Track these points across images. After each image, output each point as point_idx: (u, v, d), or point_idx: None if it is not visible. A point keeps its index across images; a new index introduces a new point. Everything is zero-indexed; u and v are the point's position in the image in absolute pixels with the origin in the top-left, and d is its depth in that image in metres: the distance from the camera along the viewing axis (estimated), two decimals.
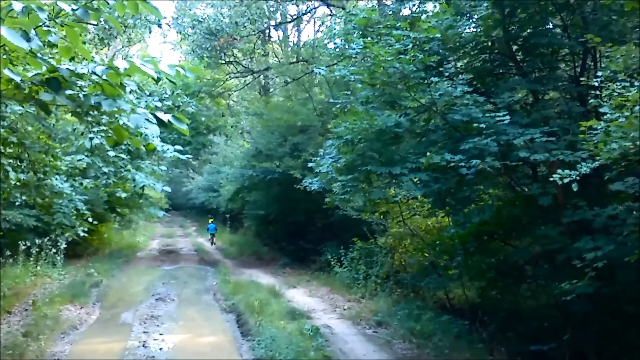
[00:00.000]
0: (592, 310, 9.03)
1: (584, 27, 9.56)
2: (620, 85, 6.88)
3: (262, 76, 33.72)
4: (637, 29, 8.50)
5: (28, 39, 3.80)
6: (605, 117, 6.86)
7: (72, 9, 4.30)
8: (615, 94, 6.83)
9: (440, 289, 14.42)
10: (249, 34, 28.36)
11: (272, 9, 29.74)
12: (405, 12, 12.27)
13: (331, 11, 28.00)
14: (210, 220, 38.35)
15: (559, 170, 7.29)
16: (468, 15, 10.89)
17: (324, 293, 17.86)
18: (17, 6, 4.11)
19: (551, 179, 7.52)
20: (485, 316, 12.37)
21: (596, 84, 7.54)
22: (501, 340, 11.24)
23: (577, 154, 7.89)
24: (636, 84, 6.61)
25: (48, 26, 4.27)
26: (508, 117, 9.22)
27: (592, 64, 9.98)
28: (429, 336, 12.11)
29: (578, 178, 7.23)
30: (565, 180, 7.20)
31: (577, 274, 8.51)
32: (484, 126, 9.16)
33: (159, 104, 10.46)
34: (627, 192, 8.50)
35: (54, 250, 19.37)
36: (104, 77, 4.50)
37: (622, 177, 8.40)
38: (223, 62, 30.82)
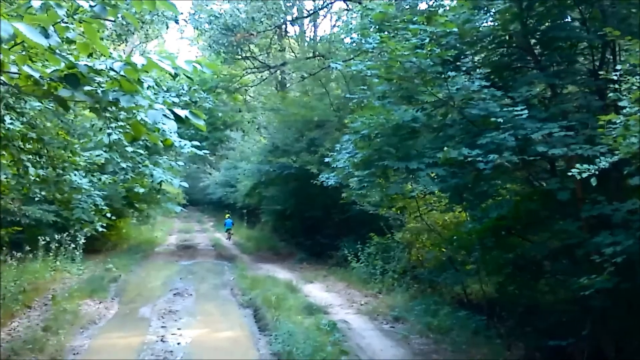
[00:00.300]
0: (611, 306, 8.97)
1: (602, 21, 9.49)
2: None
3: (278, 71, 33.74)
4: None
5: (47, 36, 3.82)
6: (624, 111, 6.82)
7: (90, 6, 4.32)
8: (634, 87, 6.78)
9: (458, 284, 14.38)
10: (265, 29, 28.35)
11: (288, 4, 29.75)
12: (422, 6, 12.25)
13: (348, 6, 27.90)
14: (227, 216, 38.62)
15: (578, 165, 7.25)
16: (485, 9, 10.84)
17: (341, 288, 17.87)
18: (36, 3, 4.14)
19: (569, 174, 7.47)
20: (503, 312, 12.33)
21: (615, 77, 7.48)
22: (519, 335, 11.20)
23: (596, 149, 7.84)
24: None
25: (66, 23, 4.29)
26: (526, 111, 9.16)
27: (611, 57, 9.92)
28: (447, 331, 12.10)
29: (597, 172, 7.18)
30: (584, 175, 7.16)
31: (596, 268, 8.47)
32: (502, 121, 9.12)
33: (176, 100, 10.52)
34: None
35: (73, 245, 19.51)
36: (122, 73, 4.51)
37: None
38: (240, 57, 30.83)
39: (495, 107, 9.34)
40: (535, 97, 10.53)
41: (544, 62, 10.66)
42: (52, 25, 4.04)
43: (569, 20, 10.59)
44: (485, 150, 9.01)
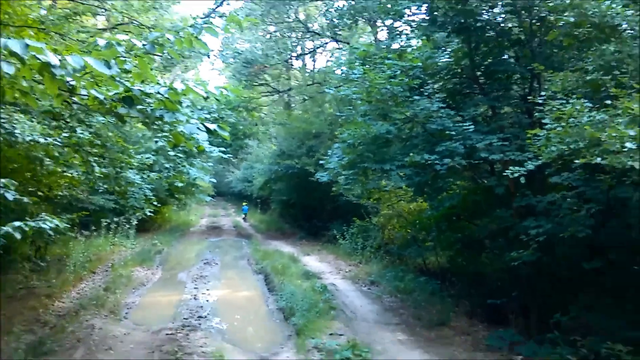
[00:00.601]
0: (535, 274, 9.02)
1: (531, 58, 9.51)
2: (559, 102, 6.87)
3: (285, 95, 33.78)
4: (572, 59, 8.47)
5: (109, 67, 3.84)
6: (546, 126, 6.85)
7: (143, 44, 4.33)
8: (554, 109, 6.82)
9: (419, 257, 14.43)
10: (276, 63, 28.41)
11: (294, 44, 29.79)
12: (395, 46, 12.25)
13: (339, 45, 27.99)
14: (244, 204, 39.34)
15: (511, 167, 7.29)
16: (443, 48, 10.85)
17: (331, 259, 17.91)
18: (101, 42, 4.15)
19: (504, 174, 7.52)
20: (453, 278, 12.39)
21: (540, 101, 7.52)
22: (465, 296, 11.25)
23: (525, 155, 7.87)
24: (571, 101, 6.60)
25: (124, 57, 4.30)
26: (472, 126, 9.24)
27: (538, 86, 9.92)
28: (410, 292, 12.14)
29: (525, 173, 7.23)
30: (515, 175, 7.20)
31: (524, 246, 8.51)
32: (454, 133, 9.18)
33: (207, 116, 10.50)
34: (562, 184, 8.51)
35: (127, 226, 19.54)
36: (166, 95, 4.53)
37: (559, 173, 8.41)
38: (256, 84, 30.94)
39: (450, 123, 9.38)
40: (479, 115, 10.57)
41: (486, 89, 10.68)
42: (113, 59, 4.06)
43: (506, 57, 10.61)
44: (441, 156, 9.05)
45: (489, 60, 10.60)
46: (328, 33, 25.23)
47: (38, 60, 3.33)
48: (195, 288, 13.65)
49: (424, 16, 10.92)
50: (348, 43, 24.23)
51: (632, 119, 5.94)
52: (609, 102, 6.41)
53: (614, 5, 6.96)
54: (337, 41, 26.98)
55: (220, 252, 20.99)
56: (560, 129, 6.57)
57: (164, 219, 28.24)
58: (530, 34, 9.88)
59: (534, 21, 9.83)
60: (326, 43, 29.93)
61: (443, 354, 8.48)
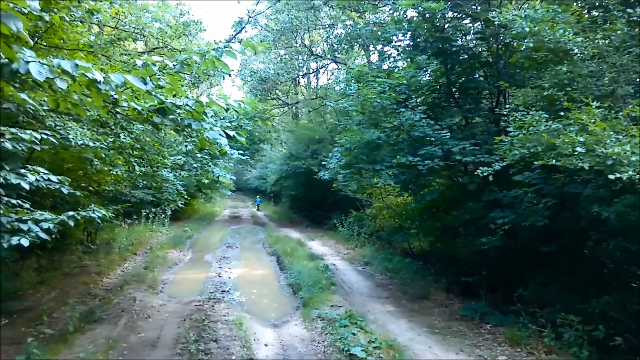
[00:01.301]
0: (501, 256, 8.99)
1: (497, 77, 9.47)
2: (520, 114, 6.84)
3: (293, 107, 33.76)
4: (532, 78, 8.41)
5: (145, 83, 3.82)
6: (510, 134, 6.81)
7: (173, 65, 4.31)
8: (517, 119, 6.78)
9: (405, 242, 14.39)
10: (285, 80, 28.36)
11: (300, 65, 29.75)
12: (385, 66, 12.19)
13: (338, 66, 27.96)
14: (258, 196, 40.08)
15: (481, 167, 7.26)
16: (424, 69, 10.82)
17: (332, 244, 17.88)
18: (139, 62, 4.13)
19: (476, 173, 7.49)
20: (433, 259, 12.37)
21: (505, 112, 7.49)
22: (443, 274, 11.21)
23: (493, 157, 7.84)
24: (531, 113, 6.56)
25: (158, 75, 4.28)
26: (449, 133, 9.22)
27: (503, 100, 9.89)
28: (398, 272, 12.11)
29: (493, 172, 7.20)
30: (485, 174, 7.17)
31: (492, 233, 8.50)
32: (434, 139, 9.15)
33: (228, 124, 10.51)
34: (524, 181, 8.47)
35: (163, 215, 19.57)
36: (193, 107, 4.51)
37: (521, 172, 8.38)
38: (269, 98, 30.91)
39: (430, 131, 9.34)
40: (454, 124, 10.52)
41: (460, 103, 10.64)
42: (149, 77, 4.04)
43: (477, 76, 10.56)
44: (423, 158, 9.02)
45: (463, 79, 10.56)
46: (329, 56, 25.19)
47: (86, 77, 3.32)
48: (219, 267, 13.66)
49: (408, 42, 10.87)
50: (345, 64, 24.19)
51: (582, 128, 5.91)
52: (562, 113, 6.38)
53: (566, 33, 6.91)
54: (336, 62, 26.94)
55: (239, 237, 20.98)
56: (522, 136, 6.54)
57: (193, 209, 28.26)
58: (496, 57, 9.83)
59: (499, 46, 9.79)
60: (327, 64, 29.92)
61: (425, 322, 8.46)
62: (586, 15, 7.90)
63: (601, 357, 6.47)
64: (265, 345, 7.40)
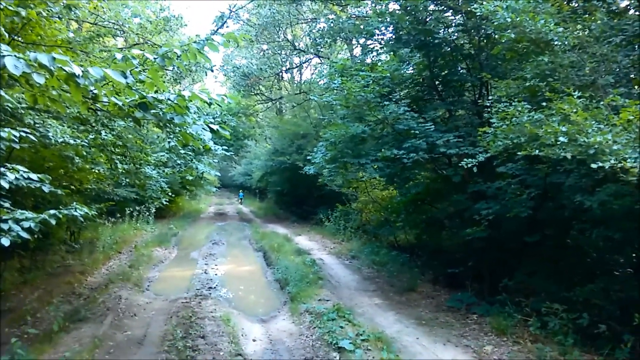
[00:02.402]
0: (486, 247, 9.05)
1: (480, 69, 9.51)
2: (503, 105, 6.87)
3: (277, 102, 33.63)
4: (514, 70, 8.46)
5: (125, 77, 3.74)
6: (493, 125, 6.84)
7: (154, 58, 4.24)
8: (500, 110, 6.81)
9: (391, 235, 14.44)
10: (269, 75, 28.23)
11: (283, 60, 29.64)
12: (368, 60, 12.18)
13: (321, 60, 27.88)
14: (240, 191, 41.98)
15: (465, 159, 7.29)
16: (407, 62, 10.83)
17: (318, 239, 17.87)
18: (119, 56, 4.05)
19: (460, 165, 7.51)
20: (419, 252, 12.44)
21: (488, 104, 7.52)
22: (429, 266, 11.29)
23: (476, 149, 7.88)
24: (513, 104, 6.60)
25: (139, 69, 4.21)
26: (433, 126, 9.24)
27: (486, 92, 9.93)
28: (384, 264, 12.17)
29: (477, 164, 7.24)
30: (469, 165, 7.20)
31: (476, 224, 8.55)
32: (418, 132, 9.16)
33: (211, 120, 10.42)
34: (507, 173, 8.53)
35: (147, 213, 19.36)
36: (175, 101, 4.45)
37: (504, 163, 8.44)
38: (252, 93, 30.77)
39: (414, 124, 9.35)
40: (438, 117, 10.55)
41: (444, 95, 10.67)
42: (130, 71, 3.96)
43: (460, 69, 10.60)
44: (407, 151, 9.03)
45: (445, 72, 10.57)
46: (312, 50, 25.09)
47: (64, 72, 3.24)
48: (205, 264, 13.57)
49: (391, 35, 10.87)
50: (329, 58, 24.16)
51: (564, 118, 5.95)
52: (544, 104, 6.43)
53: (547, 24, 6.95)
54: (319, 57, 26.87)
55: (225, 234, 20.88)
56: (505, 127, 6.57)
57: (177, 207, 28.02)
58: (478, 49, 9.86)
59: (481, 38, 9.82)
60: (311, 59, 29.82)
61: (412, 314, 8.50)
62: (566, 6, 7.95)
63: (585, 344, 6.57)
64: (254, 340, 7.38)
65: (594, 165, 5.31)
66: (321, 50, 24.68)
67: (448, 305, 8.99)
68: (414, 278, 10.60)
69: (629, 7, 7.87)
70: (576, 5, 8.34)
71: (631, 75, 7.02)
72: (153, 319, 8.26)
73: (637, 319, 5.98)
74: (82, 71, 3.30)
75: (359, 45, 17.63)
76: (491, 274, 9.09)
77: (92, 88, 3.66)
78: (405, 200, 12.28)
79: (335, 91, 10.90)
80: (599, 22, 7.06)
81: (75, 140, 8.48)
